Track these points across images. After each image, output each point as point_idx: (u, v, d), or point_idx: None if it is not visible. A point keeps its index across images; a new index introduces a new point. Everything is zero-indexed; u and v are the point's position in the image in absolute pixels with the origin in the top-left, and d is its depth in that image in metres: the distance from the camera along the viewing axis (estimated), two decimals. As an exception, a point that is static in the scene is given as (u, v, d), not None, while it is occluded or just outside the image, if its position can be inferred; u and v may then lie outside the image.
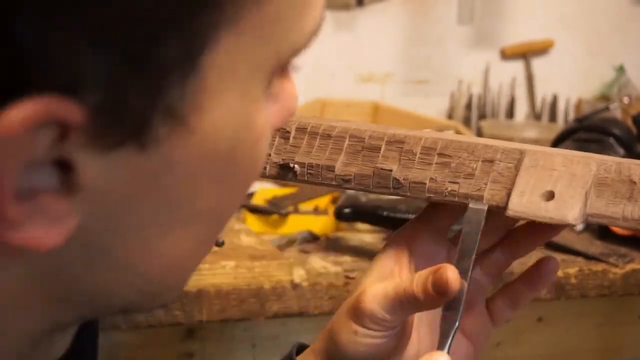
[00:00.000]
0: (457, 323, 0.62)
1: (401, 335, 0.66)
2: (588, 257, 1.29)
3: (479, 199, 0.64)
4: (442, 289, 0.61)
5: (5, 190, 0.38)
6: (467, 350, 0.70)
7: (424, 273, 0.62)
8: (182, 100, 0.40)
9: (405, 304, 0.63)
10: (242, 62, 0.43)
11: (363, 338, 0.64)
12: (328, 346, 0.67)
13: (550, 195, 0.62)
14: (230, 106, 0.43)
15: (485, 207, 0.63)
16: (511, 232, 0.71)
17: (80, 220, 0.41)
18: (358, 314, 0.65)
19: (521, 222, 0.68)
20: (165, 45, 0.39)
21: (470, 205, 0.64)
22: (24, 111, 0.37)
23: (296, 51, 0.45)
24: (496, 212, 0.65)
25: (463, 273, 0.62)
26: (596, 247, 1.33)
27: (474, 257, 0.63)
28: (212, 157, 0.43)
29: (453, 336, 0.62)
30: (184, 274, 0.50)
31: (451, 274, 0.61)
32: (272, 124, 0.48)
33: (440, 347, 0.62)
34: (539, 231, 0.69)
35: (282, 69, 0.47)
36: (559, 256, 1.29)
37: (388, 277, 0.66)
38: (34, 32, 0.37)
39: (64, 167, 0.40)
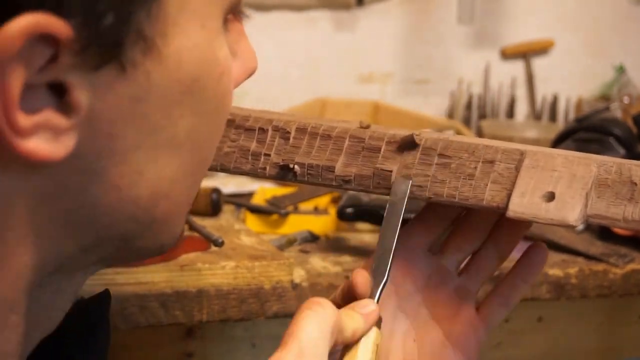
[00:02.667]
0: (386, 276, 0.66)
1: None
2: (588, 257, 1.29)
3: (479, 200, 0.65)
4: (351, 292, 0.66)
5: (12, 99, 0.44)
6: (455, 358, 0.71)
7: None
8: (148, 24, 0.47)
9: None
10: None
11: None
12: None
13: (550, 196, 0.62)
14: (191, 36, 0.50)
15: (410, 180, 0.67)
16: (493, 232, 0.71)
17: (76, 141, 0.47)
18: None
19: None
20: None
21: (396, 177, 0.67)
22: (19, 24, 0.43)
23: None
24: (477, 211, 0.66)
25: (389, 238, 0.66)
26: (596, 247, 1.33)
27: (399, 222, 0.66)
28: (182, 84, 0.50)
29: (382, 290, 0.66)
30: (173, 205, 0.54)
31: (357, 278, 0.66)
32: (235, 78, 0.56)
33: (371, 296, 0.65)
34: (518, 225, 0.70)
35: (234, 12, 0.54)
36: (559, 256, 1.29)
37: None
38: None
39: (59, 90, 0.46)
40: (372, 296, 0.66)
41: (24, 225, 0.49)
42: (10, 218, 0.48)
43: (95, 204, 0.50)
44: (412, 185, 0.67)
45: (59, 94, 0.46)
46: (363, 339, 0.62)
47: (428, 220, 0.71)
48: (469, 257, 0.72)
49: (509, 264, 0.73)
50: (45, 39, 0.44)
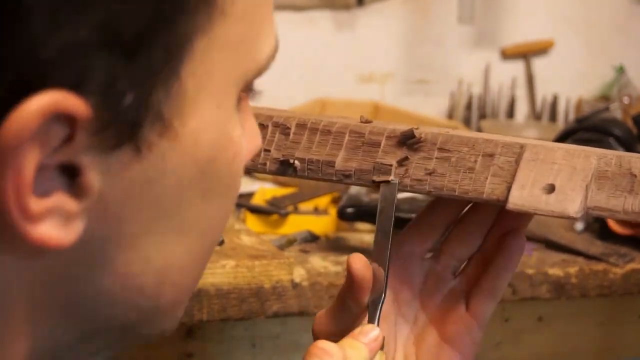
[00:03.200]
0: (383, 296, 0.66)
1: None
2: (588, 256, 1.29)
3: (480, 194, 0.65)
4: (350, 278, 0.67)
5: (26, 183, 0.41)
6: (451, 358, 0.71)
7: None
8: (167, 104, 0.45)
9: (342, 312, 0.68)
10: (216, 73, 0.47)
11: None
12: None
13: (551, 189, 0.62)
14: (208, 116, 0.47)
15: (397, 181, 0.67)
16: (487, 239, 0.71)
17: (85, 225, 0.44)
18: (314, 336, 0.69)
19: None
20: (150, 48, 0.43)
21: (382, 183, 0.67)
22: (38, 103, 0.40)
23: (259, 71, 0.51)
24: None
25: (383, 248, 0.66)
26: (596, 246, 1.33)
27: (391, 229, 0.66)
28: (197, 165, 0.47)
29: (380, 309, 0.66)
30: (179, 293, 0.52)
31: (356, 263, 0.66)
32: (244, 155, 0.53)
33: (370, 321, 0.65)
34: (512, 220, 0.70)
35: (247, 91, 0.51)
36: (559, 256, 1.29)
37: None
38: (48, 29, 0.40)
39: (71, 172, 0.43)
40: (371, 319, 0.66)
41: (22, 312, 0.46)
42: (8, 305, 0.45)
43: (98, 292, 0.48)
44: (411, 180, 0.67)
45: (70, 176, 0.43)
46: None
47: (423, 227, 0.71)
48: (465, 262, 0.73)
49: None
50: (63, 118, 0.41)
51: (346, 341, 0.63)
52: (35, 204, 0.42)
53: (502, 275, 0.71)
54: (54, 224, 0.43)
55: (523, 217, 0.69)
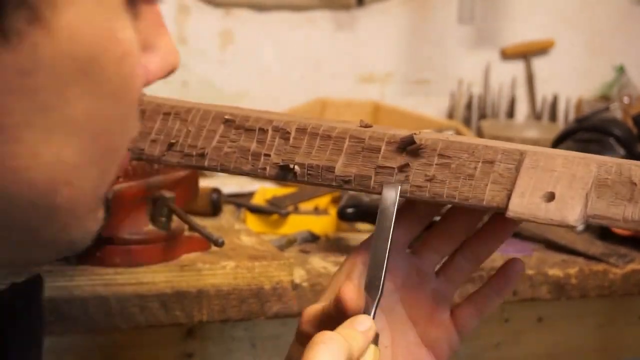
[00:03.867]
0: (380, 291, 0.65)
1: None
2: (588, 257, 1.29)
3: (479, 201, 0.65)
4: (341, 308, 0.65)
5: None
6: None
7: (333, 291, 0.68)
8: None
9: (330, 322, 0.66)
10: None
11: None
12: None
13: (550, 197, 0.62)
14: (86, 11, 0.47)
15: (399, 186, 0.66)
16: (471, 237, 0.71)
17: None
18: (299, 336, 0.69)
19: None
20: None
21: (385, 185, 0.67)
22: None
23: None
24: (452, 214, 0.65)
25: (381, 250, 0.65)
26: (596, 247, 1.33)
27: (391, 232, 0.66)
28: (76, 62, 0.48)
29: (378, 303, 0.66)
30: (78, 194, 0.52)
31: (347, 294, 0.65)
32: (153, 73, 0.54)
33: (366, 312, 0.65)
34: (499, 230, 0.70)
35: None
36: (559, 256, 1.29)
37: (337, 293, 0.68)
38: None
39: None
40: (367, 311, 0.66)
41: None
42: None
43: None
44: (411, 186, 0.67)
45: None
46: (365, 356, 0.63)
47: (409, 218, 0.71)
48: (445, 259, 0.73)
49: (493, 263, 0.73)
50: None
51: (343, 331, 0.63)
52: None
53: (493, 298, 0.72)
54: None
55: (513, 221, 0.69)
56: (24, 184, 0.49)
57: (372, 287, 0.66)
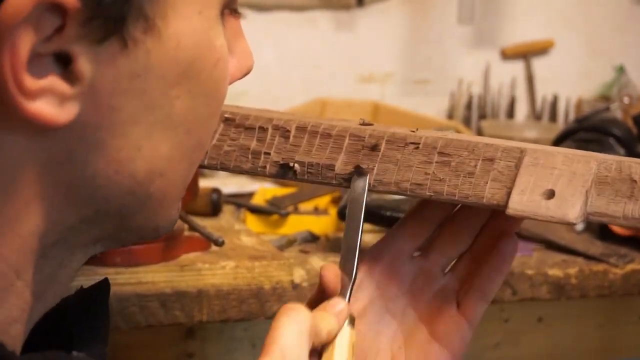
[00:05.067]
0: (353, 275, 0.67)
1: None
2: (588, 257, 1.29)
3: (480, 198, 0.65)
4: (322, 288, 0.68)
5: (21, 61, 0.47)
6: (441, 356, 0.72)
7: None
8: (149, 4, 0.51)
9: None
10: None
11: None
12: None
13: (550, 194, 0.62)
14: (190, 20, 0.53)
15: (366, 177, 0.68)
16: (476, 238, 0.73)
17: (79, 110, 0.51)
18: None
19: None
20: None
21: (354, 177, 0.69)
22: None
23: None
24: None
25: (352, 236, 0.67)
26: (596, 247, 1.33)
27: (362, 222, 0.68)
28: (180, 65, 0.53)
29: (352, 286, 0.67)
30: (169, 184, 0.57)
31: (326, 274, 0.68)
32: (231, 75, 0.60)
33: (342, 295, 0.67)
34: (503, 227, 0.71)
35: (230, 9, 0.58)
36: (559, 256, 1.29)
37: None
38: None
39: (64, 60, 0.49)
40: (343, 294, 0.67)
41: (31, 189, 0.52)
42: (19, 181, 0.52)
43: (95, 175, 0.53)
44: (411, 184, 0.67)
45: (64, 64, 0.50)
46: (338, 339, 0.64)
47: (413, 225, 0.72)
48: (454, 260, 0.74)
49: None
50: (54, 8, 0.47)
51: (314, 312, 0.64)
52: (31, 82, 0.48)
53: (494, 278, 0.72)
54: (49, 102, 0.49)
55: (515, 218, 0.70)
56: (126, 174, 0.54)
57: (345, 273, 0.67)
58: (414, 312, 0.73)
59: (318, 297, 0.68)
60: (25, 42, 0.47)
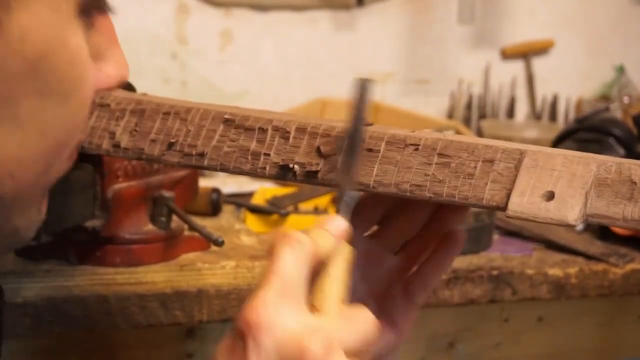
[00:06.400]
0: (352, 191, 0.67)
1: None
2: (588, 257, 1.29)
3: (479, 200, 0.65)
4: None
5: None
6: (388, 334, 0.74)
7: None
8: None
9: None
10: None
11: None
12: None
13: (550, 196, 0.62)
14: (39, 16, 0.50)
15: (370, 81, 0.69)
16: (429, 221, 0.74)
17: None
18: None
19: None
20: None
21: (359, 79, 0.69)
22: None
23: None
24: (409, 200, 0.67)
25: (356, 135, 0.67)
26: (596, 247, 1.33)
27: (362, 127, 0.68)
28: (26, 61, 0.51)
29: (349, 204, 0.67)
30: (19, 185, 0.54)
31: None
32: (101, 81, 0.59)
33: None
34: (453, 209, 0.73)
35: (96, 7, 0.55)
36: (559, 256, 1.29)
37: None
38: None
39: None
40: (339, 212, 0.67)
41: None
42: None
43: None
44: (411, 185, 0.67)
45: None
46: (335, 258, 0.64)
47: (369, 205, 0.74)
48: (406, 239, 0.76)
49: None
50: None
51: (313, 231, 0.64)
52: None
53: (437, 270, 0.75)
54: None
55: (461, 210, 0.73)
56: None
57: (345, 186, 0.67)
58: (366, 286, 0.75)
59: None
60: None
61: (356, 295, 0.73)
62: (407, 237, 0.75)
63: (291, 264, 0.59)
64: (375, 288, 0.75)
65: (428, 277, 0.74)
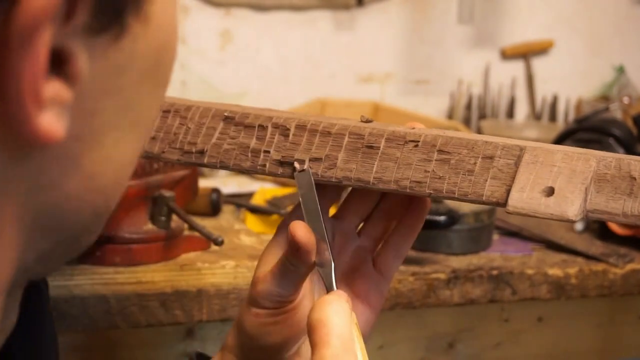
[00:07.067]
0: (332, 264, 0.68)
1: (301, 313, 0.71)
2: (588, 257, 1.29)
3: (479, 196, 0.65)
4: (295, 245, 0.67)
5: (41, 64, 0.36)
6: (364, 312, 0.75)
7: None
8: None
9: (287, 272, 0.69)
10: None
11: (266, 318, 0.71)
12: (239, 339, 0.74)
13: (550, 191, 0.62)
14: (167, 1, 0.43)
15: (309, 169, 0.69)
16: (385, 197, 0.75)
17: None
18: (255, 298, 0.71)
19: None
20: None
21: (296, 173, 0.69)
22: None
23: None
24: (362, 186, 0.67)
25: (317, 228, 0.68)
26: (596, 247, 1.33)
27: (320, 211, 0.68)
28: (157, 52, 0.43)
29: (335, 273, 0.68)
30: (120, 193, 0.47)
31: (298, 230, 0.67)
32: None
33: (329, 288, 0.68)
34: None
35: None
36: (559, 256, 1.29)
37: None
38: None
39: (59, 57, 0.38)
40: (329, 286, 0.68)
41: (8, 219, 0.41)
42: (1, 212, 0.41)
43: (67, 198, 0.43)
44: (411, 182, 0.67)
45: (58, 63, 0.38)
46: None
47: (327, 189, 0.73)
48: (364, 220, 0.77)
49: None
50: None
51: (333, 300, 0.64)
52: (46, 90, 0.37)
53: (407, 236, 0.75)
54: (54, 112, 0.38)
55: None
56: (97, 191, 0.44)
57: (324, 263, 0.68)
58: (337, 270, 0.75)
59: (290, 256, 0.68)
60: (45, 41, 0.36)
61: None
62: (365, 213, 0.76)
63: (343, 321, 0.60)
64: (344, 271, 0.76)
65: (399, 245, 0.75)
